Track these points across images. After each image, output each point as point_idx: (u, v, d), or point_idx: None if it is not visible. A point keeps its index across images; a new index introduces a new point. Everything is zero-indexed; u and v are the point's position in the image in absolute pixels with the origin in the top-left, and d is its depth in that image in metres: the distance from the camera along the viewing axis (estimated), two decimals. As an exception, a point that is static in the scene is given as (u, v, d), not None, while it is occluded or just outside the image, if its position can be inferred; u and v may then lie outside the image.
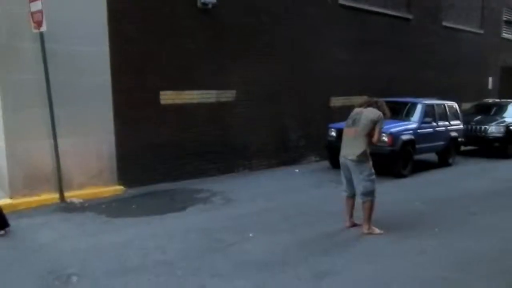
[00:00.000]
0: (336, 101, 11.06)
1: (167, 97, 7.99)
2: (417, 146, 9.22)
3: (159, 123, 7.93)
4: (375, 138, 5.12)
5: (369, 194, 5.18)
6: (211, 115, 8.67)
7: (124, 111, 7.41)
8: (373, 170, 5.23)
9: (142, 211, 6.24)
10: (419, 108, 9.80)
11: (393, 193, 7.48)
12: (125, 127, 7.46)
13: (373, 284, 3.88)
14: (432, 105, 10.12)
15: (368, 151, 5.16)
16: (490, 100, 14.11)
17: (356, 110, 5.34)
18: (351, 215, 5.47)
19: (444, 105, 10.54)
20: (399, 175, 8.76)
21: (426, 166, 10.06)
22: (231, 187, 7.72)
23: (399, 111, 9.90)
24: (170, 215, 6.09)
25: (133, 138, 7.59)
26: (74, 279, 3.96)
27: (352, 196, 5.41)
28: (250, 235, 5.16)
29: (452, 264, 4.35)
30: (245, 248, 4.76)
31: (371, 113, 5.13)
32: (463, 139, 10.95)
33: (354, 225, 5.45)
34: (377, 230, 5.24)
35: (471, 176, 9.39)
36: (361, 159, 5.08)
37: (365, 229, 5.24)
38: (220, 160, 8.83)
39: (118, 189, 7.29)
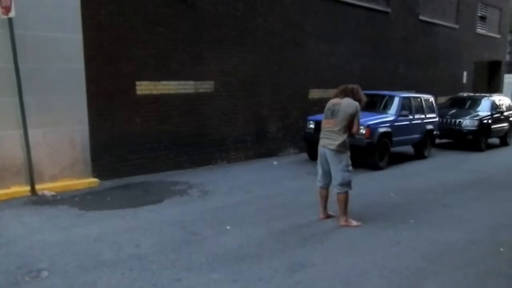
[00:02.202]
0: (315, 93, 11.08)
1: (144, 87, 7.82)
2: (394, 138, 9.33)
3: (134, 114, 7.76)
4: (354, 129, 5.15)
5: (346, 185, 5.21)
6: (189, 106, 8.55)
7: (98, 101, 7.22)
8: (350, 162, 5.25)
9: (117, 204, 6.11)
10: (396, 101, 9.91)
11: (369, 185, 7.55)
12: (99, 117, 7.27)
13: (348, 275, 3.89)
14: (408, 98, 10.25)
15: (347, 142, 5.18)
16: (465, 94, 14.39)
17: (333, 101, 5.32)
18: (325, 207, 5.49)
19: (420, 98, 10.69)
20: (376, 167, 8.85)
21: (402, 158, 10.20)
22: (208, 180, 7.64)
23: (377, 104, 10.01)
24: (146, 207, 5.97)
25: (108, 129, 7.42)
26: (45, 274, 3.84)
27: (326, 187, 5.42)
28: (227, 227, 5.12)
29: (426, 255, 4.41)
30: (221, 241, 4.71)
31: (349, 106, 5.12)
32: (438, 132, 11.14)
33: (328, 216, 5.47)
34: (354, 222, 5.27)
35: (445, 168, 9.56)
36: (340, 150, 5.10)
37: (342, 221, 5.27)
38: (197, 152, 8.73)
39: (92, 181, 7.12)
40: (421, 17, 14.77)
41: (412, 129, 10.05)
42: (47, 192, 6.48)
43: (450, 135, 12.11)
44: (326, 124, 5.25)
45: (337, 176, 5.19)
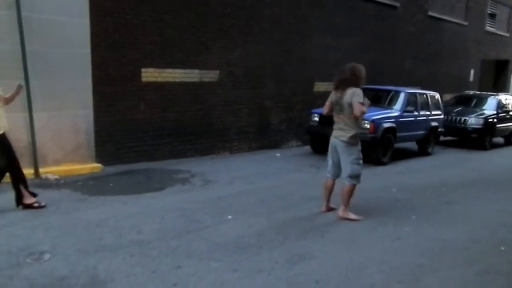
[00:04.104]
0: (320, 86, 11.03)
1: (149, 74, 7.81)
2: (398, 134, 9.30)
3: (139, 101, 7.76)
4: (356, 112, 5.01)
5: (356, 177, 5.22)
6: (193, 95, 8.54)
7: (104, 87, 7.22)
8: (361, 155, 5.27)
9: (119, 190, 6.13)
10: (401, 96, 9.86)
11: (371, 180, 7.53)
12: (104, 103, 7.28)
13: (347, 269, 3.90)
14: (414, 94, 10.19)
15: (357, 135, 5.21)
16: (471, 92, 14.31)
17: (337, 94, 5.23)
18: (328, 200, 5.49)
19: (426, 95, 10.63)
20: (378, 162, 8.83)
21: (405, 155, 10.18)
22: (210, 169, 7.66)
23: (382, 99, 9.96)
24: (148, 194, 6.00)
25: (112, 115, 7.42)
26: (47, 256, 3.87)
27: (333, 179, 5.43)
28: (229, 217, 5.14)
29: (426, 252, 4.41)
30: (222, 230, 4.73)
31: (349, 97, 5.05)
32: (443, 129, 11.10)
33: (330, 209, 5.48)
34: (352, 215, 5.26)
35: (448, 166, 9.54)
36: (351, 142, 5.14)
37: (340, 211, 5.26)
38: (200, 141, 8.74)
39: (95, 166, 7.15)
40: (430, 13, 14.64)
41: (416, 126, 10.02)
42: (50, 176, 6.52)
43: (454, 133, 12.07)
44: (337, 118, 5.27)
45: (347, 168, 5.20)
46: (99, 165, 7.19)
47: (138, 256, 3.96)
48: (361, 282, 3.68)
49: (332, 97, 5.31)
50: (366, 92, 10.35)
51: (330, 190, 5.46)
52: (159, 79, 7.96)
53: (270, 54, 9.80)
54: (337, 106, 5.21)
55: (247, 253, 4.15)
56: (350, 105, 5.04)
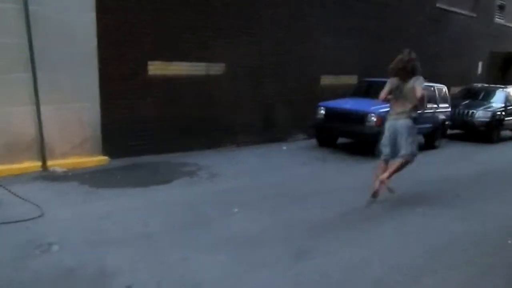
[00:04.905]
0: (326, 80, 10.98)
1: (155, 67, 7.82)
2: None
3: (146, 94, 7.78)
4: (418, 95, 5.33)
5: (412, 155, 5.63)
6: (199, 89, 8.54)
7: (110, 80, 7.24)
8: (417, 137, 5.66)
9: (126, 183, 6.17)
10: (408, 89, 9.77)
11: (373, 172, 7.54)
12: (111, 96, 7.30)
13: (352, 266, 3.89)
14: (421, 87, 10.10)
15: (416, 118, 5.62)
16: (479, 85, 14.17)
17: (397, 82, 5.56)
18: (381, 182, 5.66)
19: (433, 88, 10.54)
20: (385, 156, 8.78)
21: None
22: (217, 162, 7.67)
23: (388, 92, 9.89)
24: (154, 187, 6.03)
25: (119, 108, 7.45)
26: (55, 248, 3.91)
27: (387, 161, 5.73)
28: (235, 210, 5.15)
29: (433, 246, 4.40)
30: (228, 224, 4.74)
31: (412, 83, 5.41)
32: (450, 123, 11.01)
33: (377, 192, 5.62)
34: (391, 186, 5.67)
35: (456, 159, 9.48)
36: (411, 124, 5.54)
37: (385, 176, 5.56)
38: (206, 134, 8.75)
39: (102, 159, 7.19)
40: (438, 4, 14.47)
41: (424, 119, 9.90)
42: (58, 169, 6.57)
43: (462, 126, 11.97)
44: (396, 105, 5.60)
45: (406, 147, 5.54)
46: (106, 158, 7.24)
47: (145, 248, 3.99)
48: (366, 277, 3.68)
49: (392, 83, 5.62)
50: (372, 85, 10.45)
51: (383, 171, 5.67)
52: (166, 72, 7.96)
53: (275, 48, 9.76)
54: (398, 91, 5.53)
55: (252, 247, 4.16)
56: (412, 91, 5.35)
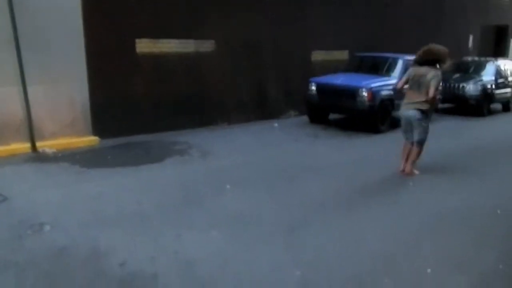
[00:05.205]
0: (318, 55, 10.88)
1: (144, 45, 7.67)
2: (395, 102, 9.23)
3: (134, 73, 7.66)
4: (431, 93, 5.48)
5: (419, 143, 5.81)
6: (189, 66, 8.42)
7: (98, 59, 7.10)
8: (429, 127, 5.81)
9: (117, 163, 6.13)
10: (399, 64, 9.74)
11: (370, 148, 7.58)
12: (99, 75, 7.17)
13: (346, 238, 3.94)
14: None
15: (428, 111, 5.73)
16: (469, 59, 14.13)
17: (420, 71, 5.63)
18: (407, 159, 5.94)
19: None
20: (377, 131, 8.82)
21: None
22: (208, 140, 7.64)
23: (380, 67, 9.86)
24: (146, 166, 6.00)
25: (108, 88, 7.33)
26: (47, 228, 3.90)
27: (412, 143, 5.90)
28: (228, 186, 5.14)
29: (426, 220, 4.45)
30: (221, 202, 4.75)
31: (433, 78, 5.50)
32: (441, 97, 11.01)
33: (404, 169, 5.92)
34: (416, 172, 5.90)
35: (446, 133, 9.50)
36: (419, 116, 5.65)
37: (407, 168, 5.87)
38: (197, 113, 8.67)
39: (92, 139, 7.11)
40: (430, -22, 14.30)
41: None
42: (47, 150, 6.49)
43: (452, 100, 11.98)
44: (412, 94, 5.69)
45: (417, 135, 5.77)
46: (96, 138, 7.16)
47: (139, 227, 3.99)
48: (361, 249, 3.72)
49: (410, 74, 5.75)
50: (363, 60, 10.38)
51: (408, 152, 5.93)
52: (154, 50, 7.82)
53: (267, 24, 9.62)
54: (414, 82, 5.65)
55: (246, 223, 4.18)
56: (427, 86, 5.47)
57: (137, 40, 7.57)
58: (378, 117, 8.82)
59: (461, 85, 11.75)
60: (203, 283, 3.13)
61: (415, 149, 5.89)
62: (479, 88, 11.67)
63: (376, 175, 5.91)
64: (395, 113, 9.38)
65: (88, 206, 4.45)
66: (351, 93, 8.75)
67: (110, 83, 7.35)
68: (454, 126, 10.39)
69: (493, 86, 12.03)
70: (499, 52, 18.48)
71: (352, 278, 3.25)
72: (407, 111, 5.81)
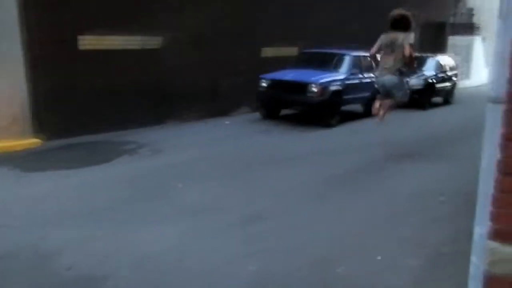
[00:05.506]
0: (268, 52, 10.93)
1: (87, 42, 7.36)
2: (344, 97, 9.46)
3: (78, 70, 7.32)
4: (407, 52, 5.86)
5: (402, 96, 6.30)
6: (137, 63, 8.17)
7: (37, 54, 6.71)
8: (405, 83, 6.31)
9: (63, 164, 5.83)
10: (347, 59, 9.99)
11: (320, 141, 7.70)
12: (39, 72, 6.79)
13: (301, 227, 3.97)
14: (359, 57, 10.35)
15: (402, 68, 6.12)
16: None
17: (391, 36, 6.00)
18: (385, 112, 6.42)
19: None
20: (327, 125, 8.98)
21: (352, 116, 10.40)
22: (159, 138, 7.46)
23: (328, 62, 10.05)
24: (93, 167, 5.75)
25: (49, 86, 6.96)
26: (-14, 234, 3.63)
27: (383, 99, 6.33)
28: (179, 185, 5.04)
29: (379, 205, 4.58)
30: (174, 197, 4.64)
31: (405, 38, 5.90)
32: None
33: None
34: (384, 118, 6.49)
35: (393, 125, 9.83)
36: (396, 80, 6.06)
37: (382, 114, 6.37)
38: (147, 111, 8.44)
39: (34, 141, 6.74)
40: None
41: (362, 88, 10.22)
42: (-16, 154, 6.07)
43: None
44: (386, 59, 6.01)
45: (396, 92, 6.15)
46: (38, 140, 6.78)
47: (88, 227, 3.80)
48: (320, 236, 3.77)
49: (383, 39, 6.05)
50: (312, 56, 10.55)
51: (381, 104, 6.34)
52: (98, 47, 7.53)
53: (217, 19, 9.53)
54: (387, 47, 5.94)
55: (202, 217, 4.11)
56: (402, 46, 5.79)
57: (79, 37, 7.25)
58: (328, 111, 8.99)
59: (404, 79, 12.21)
60: (155, 282, 3.02)
61: (391, 101, 6.24)
62: (422, 82, 12.21)
63: (330, 166, 6.01)
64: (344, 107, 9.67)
65: (31, 209, 4.19)
66: (302, 88, 8.86)
67: (52, 81, 6.98)
68: (400, 118, 10.77)
69: (435, 80, 12.62)
70: (438, 48, 19.41)
71: (307, 267, 3.26)
72: (383, 77, 6.09)
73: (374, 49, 6.25)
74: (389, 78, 6.02)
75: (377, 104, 6.48)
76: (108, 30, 7.63)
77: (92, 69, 7.49)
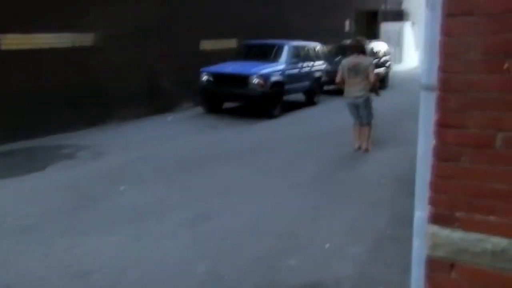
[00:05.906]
0: (207, 45, 10.77)
1: (10, 41, 6.84)
2: (286, 87, 9.55)
3: (3, 71, 6.80)
4: (371, 79, 6.13)
5: (370, 120, 6.36)
6: (68, 62, 7.72)
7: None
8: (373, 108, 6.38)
9: (-7, 175, 5.41)
10: (285, 49, 10.08)
11: (264, 133, 7.75)
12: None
13: (251, 222, 3.96)
14: (297, 47, 10.48)
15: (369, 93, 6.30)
16: (347, 42, 15.14)
17: (353, 60, 6.25)
18: (360, 138, 6.43)
19: (308, 47, 11.00)
20: (270, 115, 9.04)
21: (295, 106, 10.55)
22: (99, 140, 7.14)
23: (267, 53, 10.10)
24: (30, 176, 5.38)
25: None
26: None
27: (360, 125, 6.42)
28: (121, 188, 4.84)
29: (324, 193, 4.67)
30: (118, 201, 4.46)
31: (367, 62, 6.24)
32: (326, 79, 11.66)
33: (360, 147, 6.41)
34: (370, 148, 6.41)
35: (335, 112, 10.09)
36: (367, 98, 6.23)
37: (366, 144, 6.36)
38: (84, 112, 8.02)
39: (-42, 152, 6.20)
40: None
41: (302, 77, 10.37)
42: None
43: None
44: (353, 82, 6.18)
45: (366, 117, 6.30)
46: (-37, 150, 6.25)
47: (26, 242, 3.56)
48: (267, 231, 3.77)
49: (345, 64, 6.31)
50: (251, 47, 10.54)
51: (359, 132, 6.43)
52: (24, 47, 7.02)
53: (153, 12, 9.23)
54: (352, 72, 6.17)
55: (147, 221, 3.98)
56: (366, 71, 6.09)
57: (0, 36, 6.72)
58: (270, 102, 9.04)
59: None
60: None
61: (367, 128, 6.42)
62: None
63: (278, 157, 6.05)
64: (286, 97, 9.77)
65: (-42, 228, 3.86)
66: (243, 80, 8.84)
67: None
68: (340, 106, 11.04)
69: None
70: (372, 34, 20.13)
71: (258, 261, 3.26)
72: (350, 99, 6.31)
73: (338, 77, 6.47)
74: (359, 101, 6.22)
75: (356, 134, 6.54)
76: (34, 28, 7.14)
77: (19, 71, 6.99)
